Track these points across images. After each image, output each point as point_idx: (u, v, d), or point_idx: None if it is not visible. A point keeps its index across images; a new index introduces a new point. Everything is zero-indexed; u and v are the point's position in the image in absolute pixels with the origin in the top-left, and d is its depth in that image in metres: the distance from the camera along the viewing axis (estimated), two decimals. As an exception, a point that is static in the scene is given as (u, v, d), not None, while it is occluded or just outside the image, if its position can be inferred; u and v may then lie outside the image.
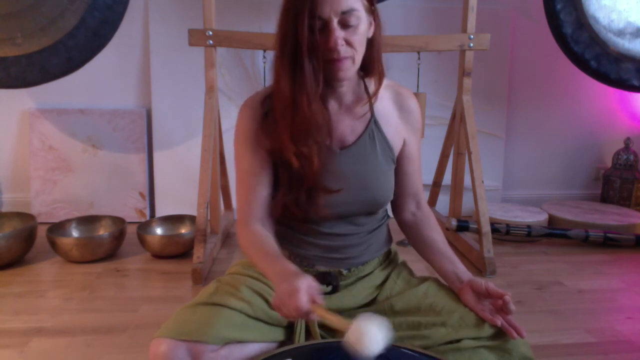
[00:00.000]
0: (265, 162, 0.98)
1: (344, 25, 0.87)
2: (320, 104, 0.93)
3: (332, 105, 0.98)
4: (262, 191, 0.99)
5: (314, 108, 0.90)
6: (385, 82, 0.99)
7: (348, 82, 0.96)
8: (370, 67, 0.96)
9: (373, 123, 1.00)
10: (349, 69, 0.91)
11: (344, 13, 0.86)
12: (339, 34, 0.86)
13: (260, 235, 0.96)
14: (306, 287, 0.77)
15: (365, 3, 0.90)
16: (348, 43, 0.88)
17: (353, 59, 0.90)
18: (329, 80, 0.93)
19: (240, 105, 1.00)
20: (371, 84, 1.01)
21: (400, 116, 1.04)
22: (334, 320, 0.77)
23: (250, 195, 0.99)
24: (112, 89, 2.55)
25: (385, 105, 1.02)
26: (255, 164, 0.98)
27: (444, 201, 2.60)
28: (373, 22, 0.93)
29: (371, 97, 0.99)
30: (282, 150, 0.93)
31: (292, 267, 0.86)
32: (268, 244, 0.94)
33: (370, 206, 1.02)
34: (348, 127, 0.99)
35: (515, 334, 0.86)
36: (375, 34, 0.94)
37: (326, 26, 0.86)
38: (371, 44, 0.94)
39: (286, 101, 0.90)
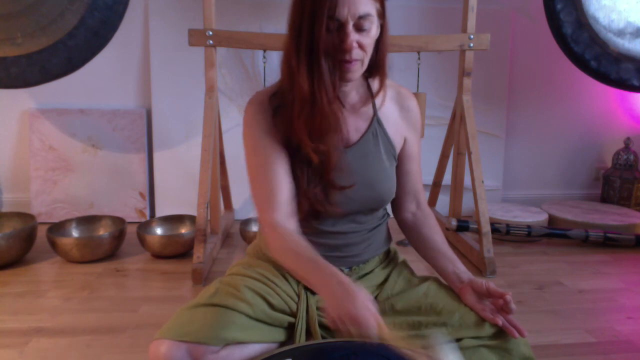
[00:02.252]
0: (282, 155, 0.95)
1: (358, 28, 0.87)
2: (339, 102, 0.94)
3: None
4: (284, 184, 0.94)
5: (334, 107, 0.91)
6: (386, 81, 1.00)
7: (353, 82, 0.97)
8: (375, 68, 0.97)
9: (376, 121, 1.01)
10: (357, 71, 0.92)
11: (360, 17, 0.86)
12: (353, 37, 0.87)
13: (294, 237, 0.90)
14: (368, 303, 0.73)
15: (379, 8, 0.90)
16: (360, 46, 0.88)
17: (362, 62, 0.91)
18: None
19: (247, 103, 0.99)
20: (373, 84, 1.02)
21: (400, 115, 1.05)
22: (402, 342, 0.72)
23: (272, 190, 0.93)
24: (112, 89, 2.55)
25: (386, 104, 1.03)
26: (272, 157, 0.94)
27: (444, 201, 2.60)
28: (381, 25, 0.94)
29: (374, 96, 1.01)
30: (299, 146, 0.93)
31: (343, 276, 0.80)
32: (306, 247, 0.88)
33: (375, 203, 1.02)
34: (352, 125, 1.00)
35: (516, 334, 0.86)
36: (383, 37, 0.95)
37: (341, 28, 0.87)
38: (378, 46, 0.95)
39: (305, 98, 0.90)
